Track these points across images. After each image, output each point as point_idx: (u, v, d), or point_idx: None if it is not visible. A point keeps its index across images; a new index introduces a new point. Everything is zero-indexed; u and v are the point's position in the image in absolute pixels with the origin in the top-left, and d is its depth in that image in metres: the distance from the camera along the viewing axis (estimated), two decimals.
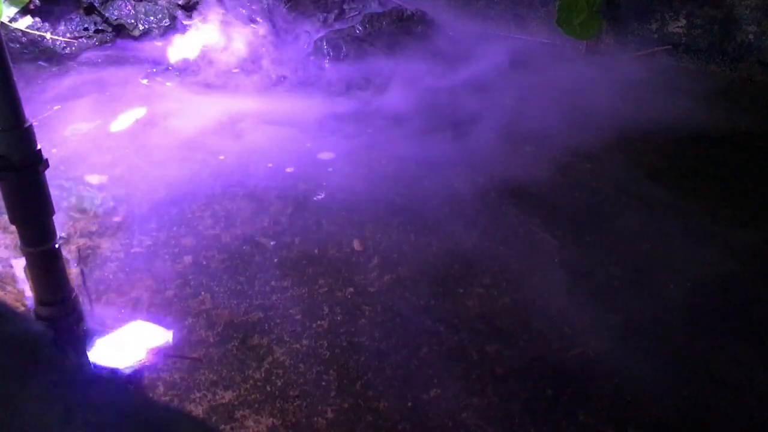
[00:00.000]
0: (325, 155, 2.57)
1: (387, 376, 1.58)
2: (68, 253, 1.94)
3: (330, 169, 2.47)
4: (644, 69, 3.35)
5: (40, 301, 1.57)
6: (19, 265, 1.86)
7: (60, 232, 1.78)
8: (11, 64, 1.33)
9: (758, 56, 3.22)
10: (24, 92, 1.52)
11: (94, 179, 2.35)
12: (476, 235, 2.10)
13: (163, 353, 1.63)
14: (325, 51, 3.40)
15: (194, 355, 1.62)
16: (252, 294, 1.84)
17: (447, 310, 1.80)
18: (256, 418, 1.46)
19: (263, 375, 1.58)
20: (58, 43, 3.41)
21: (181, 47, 3.39)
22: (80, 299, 1.66)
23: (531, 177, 2.42)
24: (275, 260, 1.98)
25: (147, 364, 1.59)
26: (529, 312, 1.79)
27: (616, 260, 1.99)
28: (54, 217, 1.51)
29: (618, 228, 2.15)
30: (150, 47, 3.55)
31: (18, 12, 3.29)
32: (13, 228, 1.53)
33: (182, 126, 2.76)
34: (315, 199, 2.29)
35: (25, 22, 3.34)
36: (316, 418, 1.47)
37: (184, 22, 3.57)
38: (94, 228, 2.09)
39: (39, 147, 1.43)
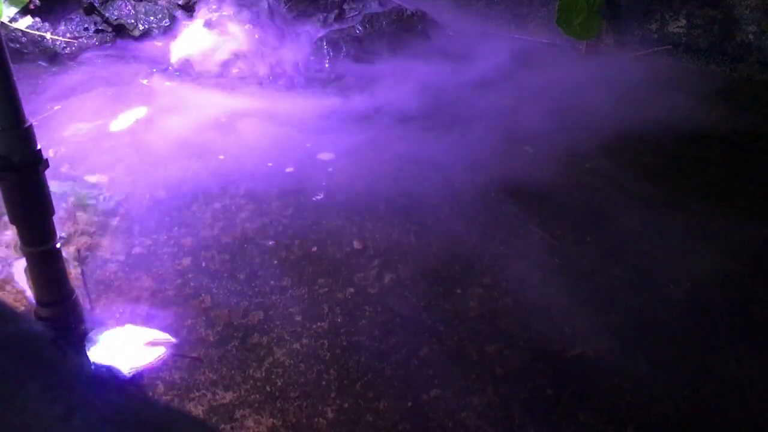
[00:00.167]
0: (325, 155, 2.57)
1: (387, 376, 1.58)
2: (68, 253, 1.94)
3: (330, 169, 2.47)
4: (644, 69, 3.35)
5: (40, 301, 1.57)
6: (19, 265, 1.86)
7: (60, 232, 1.78)
8: (11, 64, 1.33)
9: (758, 56, 3.22)
10: (24, 92, 1.53)
11: (94, 179, 2.35)
12: (476, 235, 2.10)
13: (163, 353, 1.63)
14: (325, 51, 3.40)
15: (194, 355, 1.62)
16: (252, 294, 1.84)
17: (447, 310, 1.80)
18: (256, 418, 1.46)
19: (263, 375, 1.58)
20: (58, 43, 3.42)
21: (181, 47, 3.39)
22: (80, 299, 1.66)
23: (531, 177, 2.42)
24: (275, 260, 1.98)
25: (147, 364, 1.59)
26: (529, 312, 1.79)
27: (616, 260, 1.99)
28: (54, 217, 1.51)
29: (618, 228, 2.15)
30: (150, 47, 3.55)
31: (18, 12, 3.29)
32: (13, 228, 1.53)
33: (182, 126, 2.76)
34: (315, 199, 2.29)
35: (25, 22, 3.34)
36: (316, 418, 1.47)
37: (184, 22, 3.58)
38: (94, 228, 2.09)
39: (39, 147, 1.43)
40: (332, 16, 3.77)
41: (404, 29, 3.61)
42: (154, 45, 3.56)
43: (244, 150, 2.59)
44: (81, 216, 2.14)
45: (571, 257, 2.01)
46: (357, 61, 3.36)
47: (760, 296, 1.86)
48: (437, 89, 3.13)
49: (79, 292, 1.72)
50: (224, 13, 3.52)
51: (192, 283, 1.87)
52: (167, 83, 3.19)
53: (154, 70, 3.33)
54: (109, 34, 3.60)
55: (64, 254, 1.61)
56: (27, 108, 1.39)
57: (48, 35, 3.38)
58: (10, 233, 1.97)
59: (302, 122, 2.84)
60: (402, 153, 2.59)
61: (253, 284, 1.88)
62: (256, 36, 3.47)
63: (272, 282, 1.89)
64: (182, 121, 2.80)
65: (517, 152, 2.61)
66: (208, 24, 3.47)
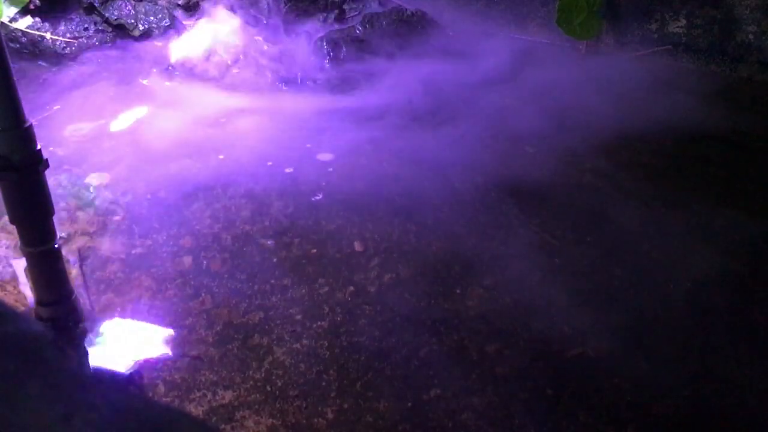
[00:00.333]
0: (325, 155, 2.57)
1: (387, 376, 1.58)
2: (68, 253, 1.94)
3: (330, 169, 2.47)
4: (644, 69, 3.35)
5: (40, 301, 1.57)
6: (20, 265, 1.86)
7: (60, 232, 1.78)
8: (11, 64, 1.33)
9: (758, 56, 3.22)
10: (24, 92, 1.52)
11: (94, 179, 2.35)
12: (476, 235, 2.10)
13: (163, 353, 1.63)
14: (325, 51, 3.39)
15: (194, 354, 1.62)
16: (252, 294, 1.84)
17: (447, 310, 1.80)
18: (256, 419, 1.46)
19: (263, 375, 1.58)
20: (58, 43, 3.41)
21: (181, 47, 3.39)
22: (80, 299, 1.66)
23: (531, 177, 2.42)
24: (275, 260, 1.98)
25: (147, 364, 1.59)
26: (529, 312, 1.79)
27: (616, 260, 1.99)
28: (54, 217, 1.51)
29: (618, 228, 2.15)
30: (150, 47, 3.55)
31: (18, 12, 3.28)
32: (13, 228, 1.53)
33: (182, 125, 2.76)
34: (314, 199, 2.29)
35: (25, 22, 3.33)
36: (316, 419, 1.47)
37: (184, 22, 3.57)
38: (94, 228, 2.09)
39: (39, 147, 1.43)
40: (332, 16, 3.77)
41: (404, 29, 3.61)
42: (154, 45, 3.56)
43: (243, 150, 2.59)
44: (81, 216, 2.14)
45: (571, 257, 2.01)
46: (357, 61, 3.36)
47: (760, 296, 1.86)
48: (437, 89, 3.13)
49: (79, 292, 1.73)
50: (224, 13, 3.52)
51: (192, 283, 1.87)
52: (167, 83, 3.19)
53: (154, 70, 3.33)
54: (109, 34, 3.60)
55: (64, 254, 1.61)
56: (27, 108, 1.39)
57: (48, 35, 3.38)
58: (10, 233, 1.97)
59: (302, 122, 2.84)
60: (402, 153, 2.59)
61: (253, 284, 1.88)
62: (256, 36, 3.47)
63: (272, 282, 1.89)
64: (182, 121, 2.80)
65: (517, 152, 2.61)
66: (208, 24, 3.47)
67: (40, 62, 3.35)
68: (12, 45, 3.32)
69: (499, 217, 2.19)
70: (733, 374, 1.60)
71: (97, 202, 2.22)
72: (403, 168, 2.49)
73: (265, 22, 3.56)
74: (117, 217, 2.15)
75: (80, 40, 3.50)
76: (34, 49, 3.38)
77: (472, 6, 4.01)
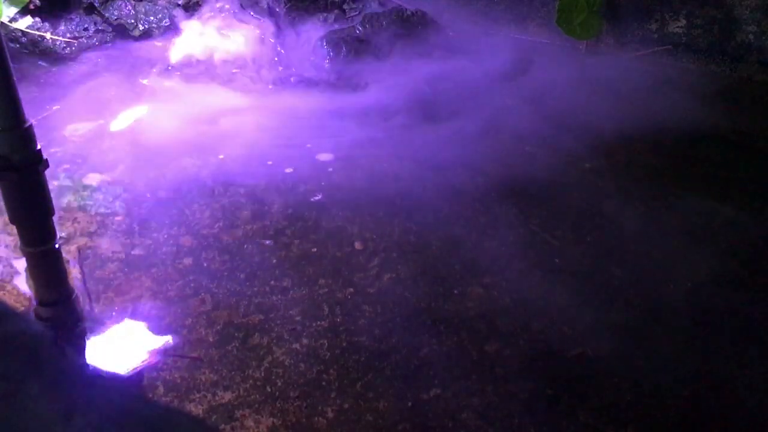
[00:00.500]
0: (325, 155, 2.57)
1: (387, 376, 1.58)
2: (68, 253, 1.94)
3: (330, 170, 2.47)
4: (644, 69, 3.35)
5: (40, 301, 1.57)
6: (20, 265, 1.86)
7: (60, 232, 1.78)
8: (11, 64, 1.33)
9: (758, 56, 3.22)
10: (24, 92, 1.52)
11: (94, 179, 2.35)
12: (476, 235, 2.10)
13: (163, 353, 1.63)
14: (325, 51, 3.39)
15: (194, 354, 1.62)
16: (252, 294, 1.84)
17: (447, 310, 1.80)
18: (256, 418, 1.46)
19: (263, 375, 1.58)
20: (58, 43, 3.41)
21: (181, 47, 3.39)
22: (80, 299, 1.66)
23: (531, 177, 2.42)
24: (275, 260, 1.98)
25: (147, 364, 1.59)
26: (529, 312, 1.79)
27: (616, 260, 1.99)
28: (54, 217, 1.51)
29: (618, 228, 2.15)
30: (150, 47, 3.55)
31: (18, 12, 3.28)
32: (13, 228, 1.53)
33: (182, 125, 2.76)
34: (314, 199, 2.29)
35: (25, 22, 3.33)
36: (316, 418, 1.47)
37: (184, 22, 3.57)
38: (94, 228, 2.09)
39: (39, 147, 1.43)
40: (332, 16, 3.77)
41: (404, 29, 3.61)
42: (154, 45, 3.56)
43: (243, 150, 2.59)
44: (81, 216, 2.14)
45: (571, 257, 2.01)
46: (357, 61, 3.36)
47: (760, 296, 1.86)
48: (437, 89, 3.13)
49: (79, 292, 1.72)
50: (224, 13, 3.52)
51: (192, 283, 1.87)
52: (167, 83, 3.19)
53: (154, 69, 3.33)
54: (109, 34, 3.60)
55: (64, 254, 1.61)
56: (27, 108, 1.39)
57: (48, 35, 3.38)
58: (10, 233, 1.97)
59: (302, 122, 2.84)
60: (402, 153, 2.59)
61: (253, 284, 1.88)
62: (256, 36, 3.47)
63: (272, 282, 1.89)
64: (182, 121, 2.80)
65: (517, 152, 2.61)
66: (208, 24, 3.47)
67: (40, 62, 3.35)
68: (12, 45, 3.32)
69: (500, 217, 2.19)
70: (733, 374, 1.60)
71: (97, 202, 2.22)
72: (403, 168, 2.49)
73: (265, 22, 3.55)
74: (117, 217, 2.15)
75: (80, 40, 3.50)
76: (34, 49, 3.38)
77: (472, 6, 4.01)
